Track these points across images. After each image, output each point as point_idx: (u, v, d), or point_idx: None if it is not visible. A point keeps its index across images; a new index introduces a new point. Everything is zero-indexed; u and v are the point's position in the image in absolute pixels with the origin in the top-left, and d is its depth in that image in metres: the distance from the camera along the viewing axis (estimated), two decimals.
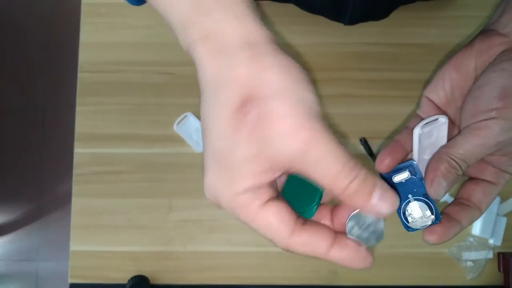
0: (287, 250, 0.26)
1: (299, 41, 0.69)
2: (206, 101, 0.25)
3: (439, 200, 0.33)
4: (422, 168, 0.34)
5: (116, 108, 0.69)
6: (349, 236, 0.29)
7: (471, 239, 0.66)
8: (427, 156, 0.34)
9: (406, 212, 0.34)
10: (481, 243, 0.66)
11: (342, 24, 0.65)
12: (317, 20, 0.67)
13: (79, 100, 0.69)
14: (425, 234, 0.33)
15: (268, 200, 0.25)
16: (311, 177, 0.25)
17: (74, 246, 0.67)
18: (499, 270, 0.66)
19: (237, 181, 0.24)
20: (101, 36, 0.71)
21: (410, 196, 0.35)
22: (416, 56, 0.69)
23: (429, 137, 0.34)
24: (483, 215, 0.65)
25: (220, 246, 0.67)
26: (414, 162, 0.34)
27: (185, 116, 0.68)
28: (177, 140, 0.68)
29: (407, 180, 0.34)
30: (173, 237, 0.67)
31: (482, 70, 0.33)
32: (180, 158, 0.68)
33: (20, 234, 1.60)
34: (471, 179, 0.35)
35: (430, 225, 0.34)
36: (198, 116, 0.68)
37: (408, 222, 0.34)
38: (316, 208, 0.30)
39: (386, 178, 0.34)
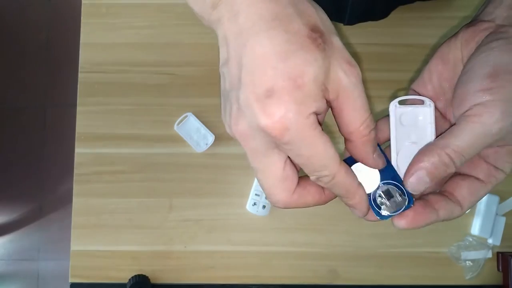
0: (335, 179, 0.28)
1: None
2: (256, 35, 0.25)
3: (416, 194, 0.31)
4: (403, 155, 0.32)
5: (117, 108, 0.69)
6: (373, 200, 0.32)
7: (470, 239, 0.66)
8: (409, 142, 0.32)
9: (377, 199, 0.32)
10: (480, 243, 0.66)
11: (341, 24, 0.65)
12: None
13: (80, 100, 0.70)
14: (395, 218, 0.31)
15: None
16: (343, 114, 0.27)
17: (75, 246, 0.67)
18: (498, 269, 0.67)
19: (311, 101, 0.25)
20: (101, 37, 0.71)
21: (381, 184, 0.32)
22: (415, 56, 0.69)
23: (412, 119, 0.32)
24: (482, 215, 0.66)
25: (220, 245, 0.67)
26: (378, 144, 0.32)
27: (186, 116, 0.68)
28: (177, 140, 0.68)
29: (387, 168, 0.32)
30: (173, 236, 0.67)
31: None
32: (180, 158, 0.68)
33: (21, 234, 1.61)
34: (460, 174, 0.32)
35: (404, 209, 0.31)
36: (198, 116, 0.68)
37: (380, 209, 0.32)
38: None
39: (350, 163, 0.32)
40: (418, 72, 0.67)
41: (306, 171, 0.27)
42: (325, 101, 0.26)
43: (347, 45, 0.69)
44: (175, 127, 0.68)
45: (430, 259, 0.67)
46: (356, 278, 0.67)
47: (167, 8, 0.71)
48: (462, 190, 0.31)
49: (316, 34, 0.25)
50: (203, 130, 0.68)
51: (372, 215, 0.32)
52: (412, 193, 0.31)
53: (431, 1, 0.68)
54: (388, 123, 0.33)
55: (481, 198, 0.31)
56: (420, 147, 0.31)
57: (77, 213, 0.68)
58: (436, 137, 0.31)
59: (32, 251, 1.60)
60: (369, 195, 0.32)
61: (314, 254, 0.67)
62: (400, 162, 0.32)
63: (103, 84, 0.70)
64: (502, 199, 0.67)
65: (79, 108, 0.69)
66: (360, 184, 0.29)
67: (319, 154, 0.26)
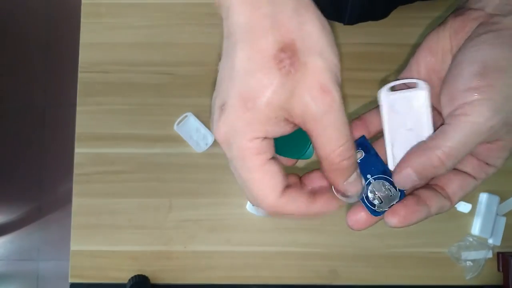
0: (272, 211, 0.27)
1: None
2: (236, 44, 0.24)
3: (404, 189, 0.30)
4: (399, 144, 0.30)
5: (117, 108, 0.69)
6: (365, 195, 0.31)
7: (471, 239, 0.66)
8: (405, 130, 0.30)
9: (370, 196, 0.31)
10: (481, 243, 0.66)
11: (341, 24, 0.65)
12: None
13: (79, 100, 0.70)
14: (387, 215, 0.30)
15: (273, 157, 0.27)
16: (313, 140, 0.26)
17: (74, 246, 0.67)
18: (498, 270, 0.67)
19: (258, 126, 0.25)
20: (101, 36, 0.71)
21: (369, 176, 0.31)
22: None
23: (406, 105, 0.30)
24: (482, 215, 0.66)
25: (220, 245, 0.67)
26: (365, 137, 0.31)
27: (186, 116, 0.68)
28: (177, 140, 0.68)
29: (361, 160, 0.31)
30: (173, 236, 0.67)
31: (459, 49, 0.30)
32: (180, 158, 0.68)
33: (20, 234, 1.61)
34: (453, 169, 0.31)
35: (398, 202, 0.30)
36: (198, 116, 0.68)
37: (374, 206, 0.30)
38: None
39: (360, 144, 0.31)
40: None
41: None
42: (283, 124, 0.25)
43: (347, 45, 0.69)
44: (175, 127, 0.68)
45: (431, 259, 0.67)
46: (357, 278, 0.67)
47: (167, 8, 0.71)
48: (453, 185, 0.30)
49: (284, 55, 0.24)
50: (203, 130, 0.68)
51: (351, 216, 0.32)
52: (400, 188, 0.30)
53: (431, 1, 0.67)
54: (378, 114, 0.31)
55: (470, 193, 0.31)
56: (418, 134, 0.30)
57: (77, 213, 0.68)
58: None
59: (32, 251, 1.59)
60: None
61: (314, 254, 0.67)
62: (396, 152, 0.31)
63: (103, 84, 0.70)
64: (503, 199, 0.67)
65: (78, 108, 0.69)
66: (309, 199, 0.28)
67: (256, 182, 0.26)
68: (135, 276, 0.65)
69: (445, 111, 0.29)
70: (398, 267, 0.67)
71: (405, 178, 0.29)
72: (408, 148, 0.30)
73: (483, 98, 0.26)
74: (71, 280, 0.67)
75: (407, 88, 0.31)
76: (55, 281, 1.58)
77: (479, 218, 0.66)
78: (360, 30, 0.68)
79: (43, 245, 1.60)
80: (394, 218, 0.29)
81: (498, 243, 0.67)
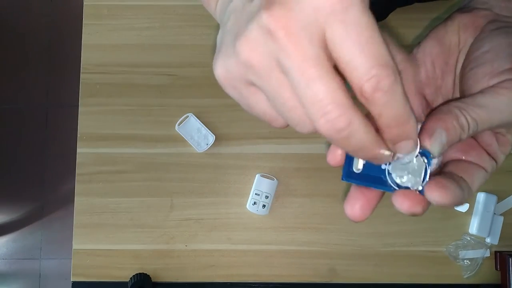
0: (343, 115, 0.20)
1: None
2: None
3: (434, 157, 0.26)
4: None
5: (119, 108, 0.70)
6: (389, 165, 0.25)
7: (468, 238, 0.67)
8: None
9: (394, 176, 0.26)
10: (478, 242, 0.67)
11: None
12: None
13: (82, 100, 0.70)
14: (429, 189, 0.24)
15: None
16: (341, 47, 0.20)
17: (76, 245, 0.68)
18: (496, 268, 0.67)
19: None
20: (103, 38, 0.71)
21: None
22: None
23: None
24: (480, 214, 0.66)
25: (220, 244, 0.68)
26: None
27: (187, 117, 0.69)
28: (178, 140, 0.69)
29: None
30: (174, 235, 0.68)
31: (470, 43, 0.29)
32: (181, 158, 0.69)
33: (23, 233, 1.61)
34: (463, 160, 0.29)
35: (427, 171, 0.25)
36: (199, 116, 0.69)
37: (401, 186, 0.25)
38: None
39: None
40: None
41: (361, 70, 0.20)
42: None
43: None
44: (176, 127, 0.69)
45: (429, 258, 0.67)
46: (355, 276, 0.67)
47: (168, 9, 0.71)
48: (473, 174, 0.28)
49: None
50: (204, 130, 0.69)
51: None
52: (432, 152, 0.25)
53: (430, 3, 0.68)
54: None
55: (482, 185, 0.28)
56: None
57: (79, 212, 0.68)
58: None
59: (34, 250, 1.60)
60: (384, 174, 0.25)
61: (313, 253, 0.68)
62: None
63: (105, 84, 0.70)
64: (500, 199, 0.68)
65: (81, 109, 0.70)
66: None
67: (382, 42, 0.20)
68: (136, 274, 0.66)
69: (477, 88, 0.27)
70: (396, 265, 0.67)
71: (437, 139, 0.25)
72: None
73: None
74: (73, 278, 0.67)
75: None
76: (57, 279, 1.59)
77: (477, 217, 0.67)
78: None
79: (45, 244, 1.61)
80: (438, 190, 0.24)
81: (496, 242, 0.67)
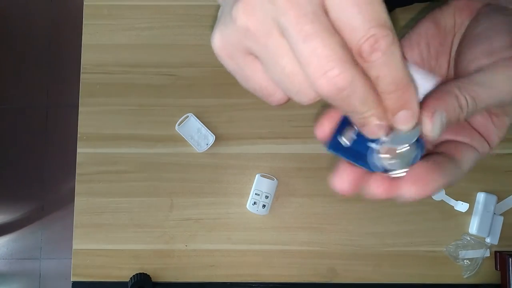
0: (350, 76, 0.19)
1: None
2: None
3: (433, 139, 0.25)
4: None
5: (119, 108, 0.70)
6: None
7: (468, 238, 0.67)
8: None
9: (382, 159, 0.24)
10: (478, 242, 0.67)
11: None
12: None
13: (82, 100, 0.70)
14: (407, 183, 0.23)
15: None
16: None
17: (77, 245, 0.68)
18: (496, 268, 0.67)
19: None
20: (103, 38, 0.71)
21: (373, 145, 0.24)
22: None
23: None
24: (480, 214, 0.66)
25: (220, 244, 0.68)
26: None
27: (187, 117, 0.69)
28: (178, 140, 0.69)
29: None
30: (174, 235, 0.68)
31: (466, 25, 0.30)
32: (181, 158, 0.69)
33: (23, 233, 1.62)
34: (455, 141, 0.28)
35: (416, 158, 0.24)
36: (199, 116, 0.69)
37: (388, 171, 0.24)
38: None
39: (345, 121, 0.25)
40: None
41: (360, 31, 0.19)
42: None
43: None
44: (176, 127, 0.69)
45: (428, 257, 0.67)
46: (355, 276, 0.67)
47: (169, 9, 0.71)
48: (464, 152, 0.27)
49: None
50: (204, 130, 0.69)
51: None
52: (429, 135, 0.24)
53: (429, 3, 0.68)
54: None
55: (474, 165, 0.27)
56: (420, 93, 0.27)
57: (79, 212, 0.68)
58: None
59: (34, 250, 1.60)
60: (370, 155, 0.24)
61: (313, 253, 0.68)
62: None
63: (105, 84, 0.70)
64: (500, 199, 0.68)
65: (81, 109, 0.70)
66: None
67: (380, 2, 0.20)
68: (136, 274, 0.66)
69: (474, 66, 0.27)
70: (396, 265, 0.67)
71: (438, 121, 0.23)
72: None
73: None
74: (73, 278, 0.67)
75: None
76: (57, 279, 1.59)
77: (477, 217, 0.67)
78: None
79: (45, 244, 1.61)
80: (412, 186, 0.23)
81: (496, 242, 0.67)
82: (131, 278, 0.66)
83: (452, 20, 0.30)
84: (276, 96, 0.23)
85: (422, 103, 0.24)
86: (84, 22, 0.72)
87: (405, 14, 0.68)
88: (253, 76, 0.23)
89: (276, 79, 0.22)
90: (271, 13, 0.20)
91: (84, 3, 0.72)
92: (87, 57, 0.71)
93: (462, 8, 0.30)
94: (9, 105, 1.67)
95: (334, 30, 0.19)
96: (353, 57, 0.20)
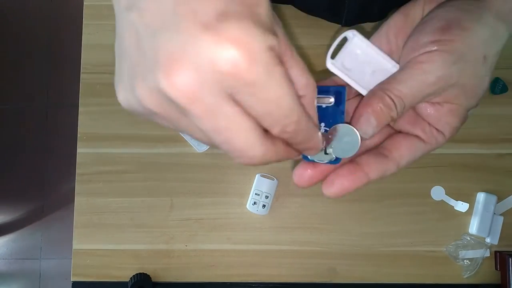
0: (300, 124, 0.23)
1: (298, 43, 0.70)
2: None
3: (365, 138, 0.29)
4: (368, 89, 0.31)
5: (119, 108, 0.70)
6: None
7: (468, 238, 0.67)
8: (370, 74, 0.31)
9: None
10: (478, 242, 0.67)
11: (339, 25, 0.66)
12: (315, 22, 0.68)
13: (82, 101, 0.70)
14: (324, 186, 0.29)
15: None
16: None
17: (77, 245, 0.68)
18: (496, 268, 0.67)
19: (270, 32, 0.20)
20: (103, 38, 0.71)
21: (322, 125, 0.30)
22: None
23: (353, 58, 0.31)
24: (480, 214, 0.66)
25: (220, 244, 0.68)
26: (345, 89, 0.30)
27: None
28: (178, 140, 0.69)
29: (328, 107, 0.30)
30: (174, 235, 0.68)
31: None
32: (181, 158, 0.69)
33: (23, 233, 1.62)
34: (401, 132, 0.31)
35: (327, 163, 0.29)
36: None
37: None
38: None
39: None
40: None
41: (268, 123, 0.22)
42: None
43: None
44: None
45: (428, 257, 0.67)
46: (355, 276, 0.67)
47: None
48: (401, 147, 0.30)
49: None
50: None
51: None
52: (363, 136, 0.29)
53: None
54: (336, 80, 0.32)
55: (418, 156, 0.31)
56: (382, 69, 0.31)
57: (79, 212, 0.68)
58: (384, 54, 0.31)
59: (34, 250, 1.60)
60: None
61: (313, 253, 0.68)
62: None
63: (105, 85, 0.70)
64: (500, 199, 0.68)
65: (81, 109, 0.70)
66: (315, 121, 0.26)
67: (288, 95, 0.21)
68: (136, 274, 0.66)
69: (403, 61, 0.29)
70: (397, 265, 0.67)
71: (366, 122, 0.28)
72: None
73: (440, 50, 0.27)
74: (73, 278, 0.67)
75: (344, 45, 0.32)
76: (57, 279, 1.59)
77: (477, 217, 0.67)
78: (358, 30, 0.68)
79: (45, 244, 1.61)
80: (331, 188, 0.29)
81: (496, 242, 0.67)
82: (131, 278, 0.66)
83: (421, 11, 0.31)
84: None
85: (356, 108, 0.28)
86: (84, 22, 0.72)
87: None
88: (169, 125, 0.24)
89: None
90: (175, 108, 0.21)
91: (84, 3, 0.72)
92: (87, 57, 0.71)
93: (432, 0, 0.31)
94: (9, 105, 1.67)
95: (241, 119, 0.21)
96: (262, 130, 0.22)
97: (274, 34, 0.21)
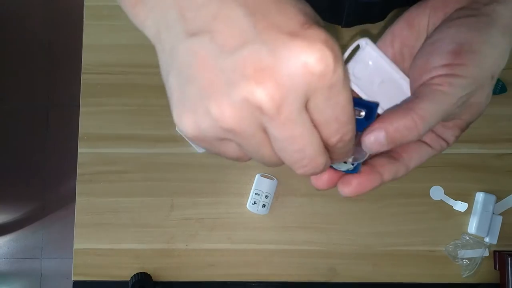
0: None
1: None
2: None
3: (367, 155, 0.29)
4: (382, 99, 0.31)
5: (119, 109, 0.70)
6: None
7: (467, 238, 0.67)
8: (378, 85, 0.31)
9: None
10: (477, 242, 0.67)
11: (339, 27, 0.66)
12: None
13: (82, 101, 0.70)
14: (340, 185, 0.30)
15: None
16: None
17: (77, 244, 0.68)
18: (495, 268, 0.67)
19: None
20: (104, 38, 0.72)
21: None
22: None
23: (363, 67, 0.31)
24: (479, 214, 0.66)
25: (221, 243, 0.68)
26: (377, 106, 0.30)
27: None
28: (179, 140, 0.69)
29: (357, 119, 0.29)
30: (175, 235, 0.68)
31: (435, 28, 0.30)
32: (182, 158, 0.69)
33: (24, 233, 1.62)
34: None
35: (345, 171, 0.30)
36: None
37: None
38: None
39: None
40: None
41: (331, 131, 0.23)
42: None
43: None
44: (177, 127, 0.69)
45: (428, 257, 0.68)
46: (355, 275, 0.68)
47: None
48: (410, 151, 0.31)
49: None
50: None
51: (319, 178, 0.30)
52: (366, 152, 0.29)
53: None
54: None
55: (424, 160, 0.32)
56: (391, 80, 0.31)
57: (80, 212, 0.69)
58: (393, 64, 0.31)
59: (35, 249, 1.61)
60: None
61: (313, 252, 0.68)
62: (385, 106, 0.31)
63: (106, 85, 0.71)
64: (499, 199, 0.68)
65: (82, 109, 0.70)
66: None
67: (351, 101, 0.23)
68: (137, 273, 0.66)
69: (416, 82, 0.29)
70: (396, 265, 0.68)
71: (375, 141, 0.27)
72: (391, 97, 0.31)
73: (455, 74, 0.28)
74: (74, 278, 0.68)
75: (354, 54, 0.31)
76: (58, 279, 1.60)
77: (476, 217, 0.67)
78: (357, 32, 0.69)
79: (46, 244, 1.61)
80: (347, 187, 0.29)
81: (495, 241, 0.68)
82: (131, 277, 0.66)
83: (426, 20, 0.31)
84: (247, 159, 0.26)
85: (377, 119, 0.28)
86: (84, 22, 0.72)
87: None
88: (227, 152, 0.25)
89: (253, 158, 0.25)
90: (260, 120, 0.21)
91: (85, 3, 0.72)
92: (87, 57, 0.71)
93: (437, 9, 0.31)
94: (10, 105, 1.68)
95: (312, 127, 0.22)
96: (322, 144, 0.23)
97: None
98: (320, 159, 0.23)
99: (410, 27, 0.31)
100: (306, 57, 0.20)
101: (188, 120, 0.23)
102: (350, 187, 0.29)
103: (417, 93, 0.29)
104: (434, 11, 0.31)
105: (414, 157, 0.31)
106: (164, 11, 0.23)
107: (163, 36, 0.24)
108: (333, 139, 0.23)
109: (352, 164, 0.29)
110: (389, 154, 0.31)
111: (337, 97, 0.21)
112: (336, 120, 0.22)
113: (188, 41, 0.22)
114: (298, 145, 0.22)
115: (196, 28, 0.21)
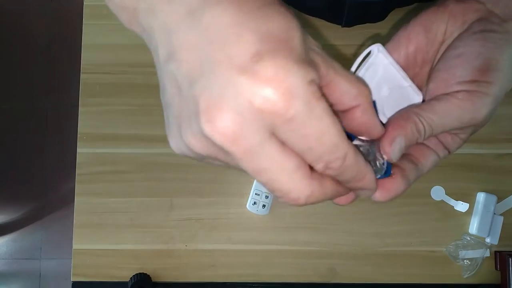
0: (346, 160, 0.22)
1: None
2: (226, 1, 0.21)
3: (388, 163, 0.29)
4: (388, 108, 0.31)
5: (119, 108, 0.70)
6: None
7: (468, 238, 0.67)
8: (386, 93, 0.31)
9: None
10: (478, 242, 0.67)
11: (339, 26, 0.66)
12: (315, 23, 0.68)
13: (81, 100, 0.70)
14: (376, 193, 0.29)
15: None
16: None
17: (77, 245, 0.68)
18: (496, 268, 0.67)
19: (308, 65, 0.20)
20: (103, 38, 0.71)
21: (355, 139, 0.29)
22: None
23: (373, 74, 0.31)
24: (480, 214, 0.66)
25: (220, 244, 0.68)
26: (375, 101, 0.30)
27: None
28: None
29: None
30: (174, 235, 0.68)
31: (455, 36, 0.30)
32: (181, 158, 0.69)
33: (23, 233, 1.62)
34: (421, 144, 0.32)
35: (381, 177, 0.29)
36: None
37: None
38: None
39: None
40: None
41: (312, 158, 0.22)
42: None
43: (345, 47, 0.70)
44: None
45: (428, 257, 0.67)
46: (355, 276, 0.67)
47: None
48: (426, 157, 0.31)
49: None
50: None
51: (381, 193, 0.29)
52: (389, 159, 0.28)
53: (429, 3, 0.68)
54: None
55: (434, 167, 0.32)
56: (398, 88, 0.31)
57: (79, 212, 0.68)
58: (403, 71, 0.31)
59: (34, 250, 1.60)
60: None
61: (313, 253, 0.68)
62: (391, 112, 0.31)
63: (105, 85, 0.70)
64: (500, 199, 0.68)
65: (81, 109, 0.70)
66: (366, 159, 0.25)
67: (331, 130, 0.21)
68: (136, 274, 0.66)
69: (435, 93, 0.30)
70: (397, 265, 0.67)
71: (398, 147, 0.27)
72: (399, 104, 0.31)
73: (480, 91, 0.28)
74: (73, 278, 0.67)
75: (365, 59, 0.31)
76: (57, 279, 1.59)
77: (477, 217, 0.67)
78: (357, 32, 0.68)
79: (45, 244, 1.61)
80: (385, 193, 0.29)
81: (496, 242, 0.67)
82: (131, 278, 0.66)
83: (444, 26, 0.30)
84: None
85: (386, 127, 0.28)
86: (84, 22, 0.72)
87: (404, 14, 0.68)
88: (217, 164, 0.25)
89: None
90: (223, 154, 0.22)
91: (84, 3, 0.72)
92: (87, 57, 0.71)
93: (457, 17, 0.30)
94: (9, 105, 1.67)
95: (284, 159, 0.21)
96: (308, 169, 0.22)
97: (312, 64, 0.21)
98: (298, 193, 0.22)
99: (427, 32, 0.31)
100: (250, 96, 0.19)
101: (172, 141, 0.25)
102: (386, 191, 0.29)
103: (433, 101, 0.29)
104: (453, 17, 0.30)
105: (428, 163, 0.31)
106: (150, 35, 0.24)
107: (155, 60, 0.24)
108: (318, 166, 0.22)
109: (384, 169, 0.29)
110: (410, 158, 0.31)
111: (303, 129, 0.20)
112: (312, 150, 0.21)
113: (164, 66, 0.23)
114: (266, 178, 0.21)
115: (169, 54, 0.22)
